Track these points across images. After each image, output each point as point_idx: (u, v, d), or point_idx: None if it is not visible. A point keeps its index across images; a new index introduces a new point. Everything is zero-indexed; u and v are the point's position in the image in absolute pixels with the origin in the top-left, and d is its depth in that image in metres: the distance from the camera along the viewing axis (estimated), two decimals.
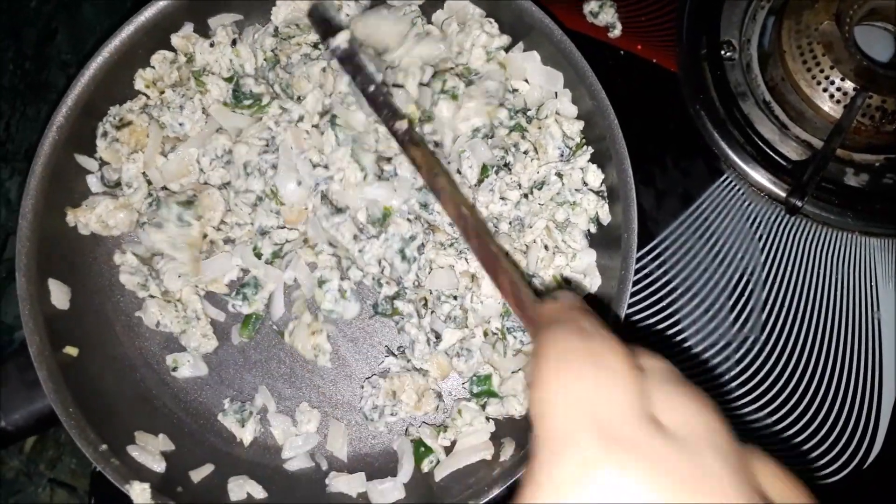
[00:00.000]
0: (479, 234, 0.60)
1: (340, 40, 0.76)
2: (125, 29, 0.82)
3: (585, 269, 0.85)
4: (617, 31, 1.00)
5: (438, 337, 0.84)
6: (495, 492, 0.74)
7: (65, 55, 1.14)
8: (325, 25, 0.80)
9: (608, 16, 1.00)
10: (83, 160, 0.85)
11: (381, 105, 0.74)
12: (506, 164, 0.84)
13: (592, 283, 0.84)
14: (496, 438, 0.84)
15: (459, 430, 0.84)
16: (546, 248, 0.84)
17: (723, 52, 0.99)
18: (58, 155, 0.80)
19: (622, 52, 1.01)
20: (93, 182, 0.86)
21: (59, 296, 0.80)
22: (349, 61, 0.77)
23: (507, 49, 0.87)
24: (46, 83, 1.12)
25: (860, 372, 0.91)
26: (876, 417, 0.90)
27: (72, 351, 0.78)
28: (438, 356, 0.85)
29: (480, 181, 0.85)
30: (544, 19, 0.80)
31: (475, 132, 0.83)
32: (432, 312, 0.85)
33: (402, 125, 0.72)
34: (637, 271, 0.93)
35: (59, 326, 0.78)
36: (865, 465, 0.89)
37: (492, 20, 0.86)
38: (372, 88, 0.75)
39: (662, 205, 0.96)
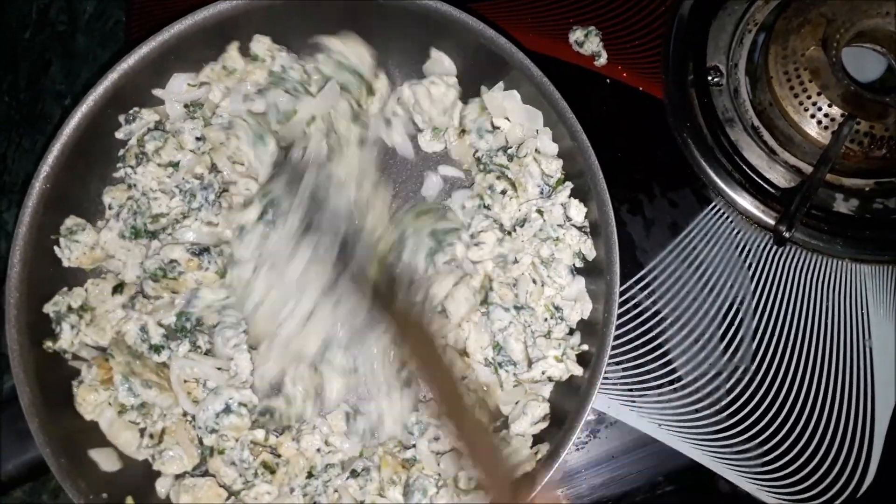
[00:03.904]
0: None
1: None
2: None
3: (576, 295, 0.85)
4: (602, 60, 1.00)
5: None
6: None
7: (59, 86, 1.15)
8: None
9: (593, 45, 0.99)
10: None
11: None
12: (486, 206, 0.85)
13: (584, 308, 0.84)
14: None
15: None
16: (534, 281, 0.84)
17: (710, 78, 0.98)
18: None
19: (608, 81, 1.00)
20: None
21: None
22: None
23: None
24: (42, 114, 1.13)
25: (852, 400, 0.91)
26: (869, 445, 0.90)
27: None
28: None
29: None
30: (524, 60, 0.80)
31: None
32: None
33: None
34: (626, 301, 0.93)
35: (50, 377, 0.79)
36: (859, 494, 0.88)
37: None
38: None
39: (650, 234, 0.96)
